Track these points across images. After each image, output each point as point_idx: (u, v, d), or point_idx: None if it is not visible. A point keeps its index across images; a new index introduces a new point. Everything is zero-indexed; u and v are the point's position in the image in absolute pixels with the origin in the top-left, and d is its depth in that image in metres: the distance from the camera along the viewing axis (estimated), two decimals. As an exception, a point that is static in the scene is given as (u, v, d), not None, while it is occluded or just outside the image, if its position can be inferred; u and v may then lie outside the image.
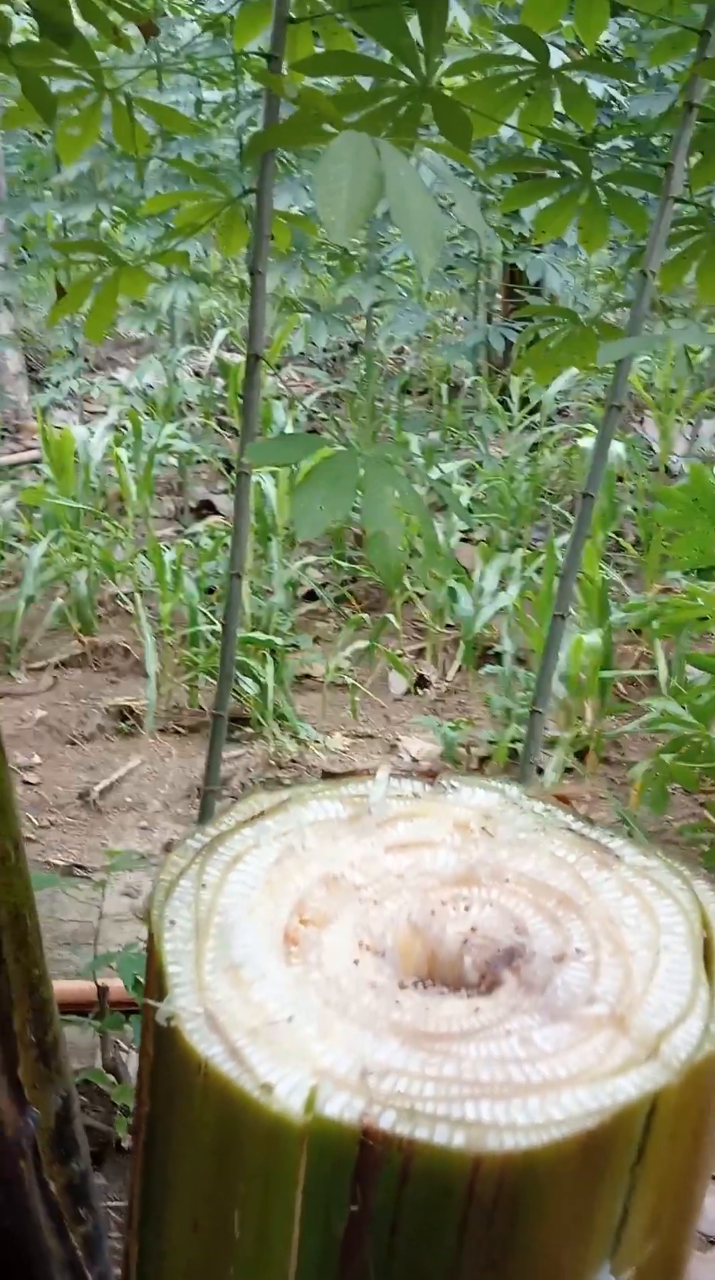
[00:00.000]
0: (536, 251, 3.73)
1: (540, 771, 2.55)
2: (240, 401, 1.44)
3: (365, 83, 1.31)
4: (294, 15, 1.34)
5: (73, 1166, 1.03)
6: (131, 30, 1.54)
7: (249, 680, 2.73)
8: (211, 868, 0.57)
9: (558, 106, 1.44)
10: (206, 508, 4.00)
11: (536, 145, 2.15)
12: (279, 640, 2.82)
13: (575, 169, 1.43)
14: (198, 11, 3.77)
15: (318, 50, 1.48)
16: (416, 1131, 0.44)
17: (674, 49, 1.40)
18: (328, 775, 0.65)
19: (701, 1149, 0.57)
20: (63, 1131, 1.01)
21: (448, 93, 1.34)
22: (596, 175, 1.46)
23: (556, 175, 1.46)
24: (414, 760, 2.70)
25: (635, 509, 3.45)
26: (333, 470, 1.07)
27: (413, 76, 1.20)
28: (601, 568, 2.74)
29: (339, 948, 0.54)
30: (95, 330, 1.53)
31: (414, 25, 1.19)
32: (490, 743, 2.63)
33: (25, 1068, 0.95)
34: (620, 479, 3.52)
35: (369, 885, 0.59)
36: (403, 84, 1.20)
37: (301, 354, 4.72)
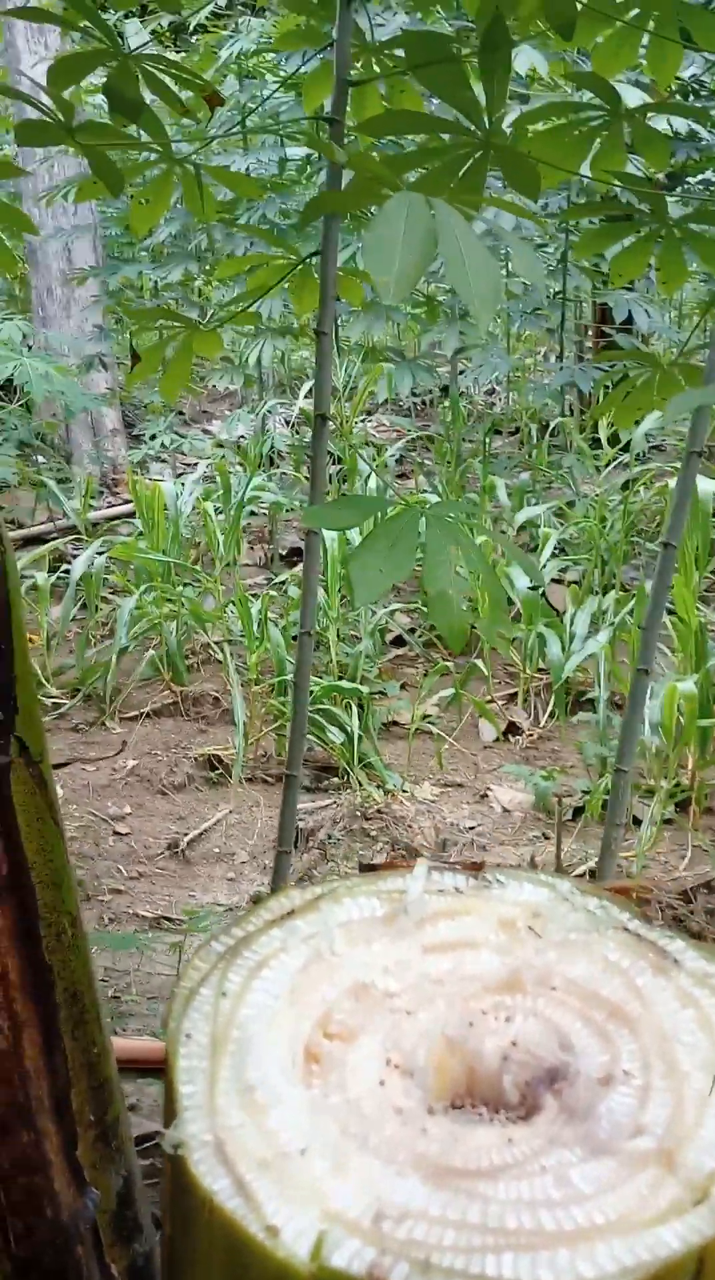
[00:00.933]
0: (628, 289, 3.67)
1: (636, 823, 2.46)
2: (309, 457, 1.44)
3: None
4: (357, 76, 1.35)
5: (135, 1248, 1.00)
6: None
7: (335, 729, 2.72)
8: (234, 974, 0.54)
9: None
10: (297, 554, 4.02)
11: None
12: (365, 688, 2.80)
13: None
14: (279, 73, 3.86)
15: (387, 109, 1.48)
16: (430, 1289, 0.41)
17: (749, 85, 1.35)
18: (365, 868, 0.62)
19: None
20: (124, 1212, 0.99)
21: (530, 137, 1.33)
22: (681, 213, 1.42)
23: (646, 214, 1.43)
24: (505, 811, 2.63)
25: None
26: (392, 531, 1.05)
27: (476, 131, 1.19)
28: (699, 609, 2.65)
29: (364, 1067, 0.51)
30: (170, 390, 1.56)
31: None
32: (584, 793, 2.55)
33: (84, 1148, 0.93)
34: (718, 515, 3.41)
35: (403, 993, 0.56)
36: (476, 137, 1.19)
37: (387, 401, 4.73)
